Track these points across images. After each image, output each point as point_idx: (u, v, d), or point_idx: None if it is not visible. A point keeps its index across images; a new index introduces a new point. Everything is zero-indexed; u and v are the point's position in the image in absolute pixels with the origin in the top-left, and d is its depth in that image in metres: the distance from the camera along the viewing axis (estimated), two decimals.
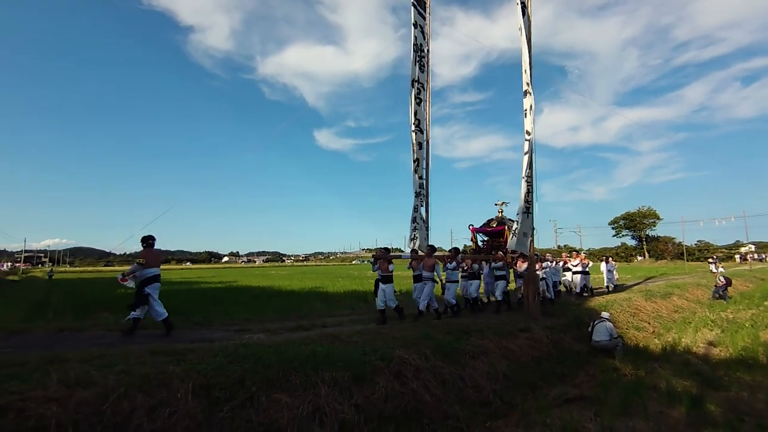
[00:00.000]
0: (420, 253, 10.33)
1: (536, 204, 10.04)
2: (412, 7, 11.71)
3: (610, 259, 15.38)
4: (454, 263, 9.93)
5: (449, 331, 6.32)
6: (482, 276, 10.88)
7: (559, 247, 61.46)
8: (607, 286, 14.34)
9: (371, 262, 9.24)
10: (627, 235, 66.16)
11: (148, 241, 6.38)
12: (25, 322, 7.76)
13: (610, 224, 66.80)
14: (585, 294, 13.14)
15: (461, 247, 13.48)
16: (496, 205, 12.96)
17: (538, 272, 10.46)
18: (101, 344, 5.04)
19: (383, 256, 9.12)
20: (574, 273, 13.54)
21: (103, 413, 2.88)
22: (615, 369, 6.48)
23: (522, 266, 10.66)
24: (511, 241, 10.10)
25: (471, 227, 12.87)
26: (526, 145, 9.79)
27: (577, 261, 13.53)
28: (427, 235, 12.83)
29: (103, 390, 3.03)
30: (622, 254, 60.65)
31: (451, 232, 60.41)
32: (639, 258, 59.46)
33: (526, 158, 9.71)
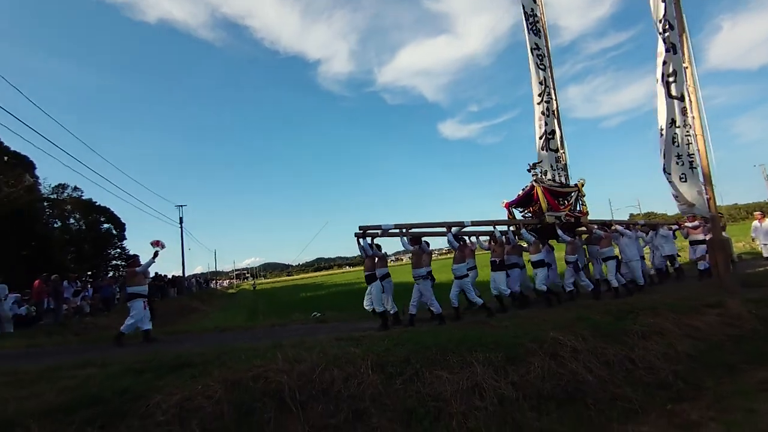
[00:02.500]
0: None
1: (711, 152, 8.22)
2: None
3: None
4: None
5: (607, 312, 5.90)
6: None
7: None
8: None
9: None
10: None
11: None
12: (249, 321, 10.43)
13: None
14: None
15: None
16: (528, 171, 9.41)
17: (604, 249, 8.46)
18: (300, 334, 6.51)
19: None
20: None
21: (314, 381, 3.89)
22: None
23: (695, 233, 9.08)
24: (682, 208, 8.53)
25: (505, 203, 9.70)
26: (661, 92, 8.24)
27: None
28: None
29: (311, 365, 4.08)
30: None
31: (610, 202, 52.37)
32: None
33: (664, 107, 8.21)
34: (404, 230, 7.39)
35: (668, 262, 10.47)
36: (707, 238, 8.86)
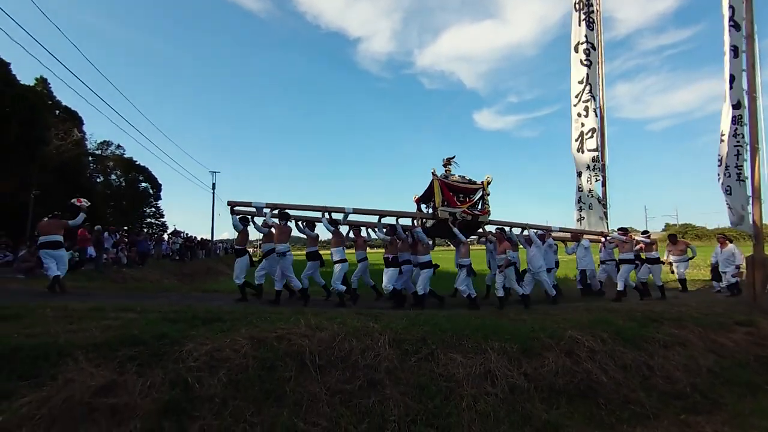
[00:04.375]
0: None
1: (764, 165, 7.77)
2: None
3: None
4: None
5: (631, 318, 5.80)
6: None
7: None
8: None
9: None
10: None
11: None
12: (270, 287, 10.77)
13: None
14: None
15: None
16: (444, 165, 8.64)
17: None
18: (319, 306, 6.74)
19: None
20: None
21: (333, 348, 4.09)
22: None
23: (624, 250, 8.69)
24: (733, 220, 8.12)
25: (415, 198, 9.01)
26: (729, 95, 7.74)
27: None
28: (605, 214, 11.47)
29: (332, 333, 4.27)
30: None
31: (646, 209, 50.15)
32: None
33: (729, 112, 7.73)
34: (273, 209, 7.46)
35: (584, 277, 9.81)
36: (632, 256, 8.70)
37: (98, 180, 31.12)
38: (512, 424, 3.69)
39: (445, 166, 8.55)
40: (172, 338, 3.88)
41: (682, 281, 9.76)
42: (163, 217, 38.00)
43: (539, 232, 8.98)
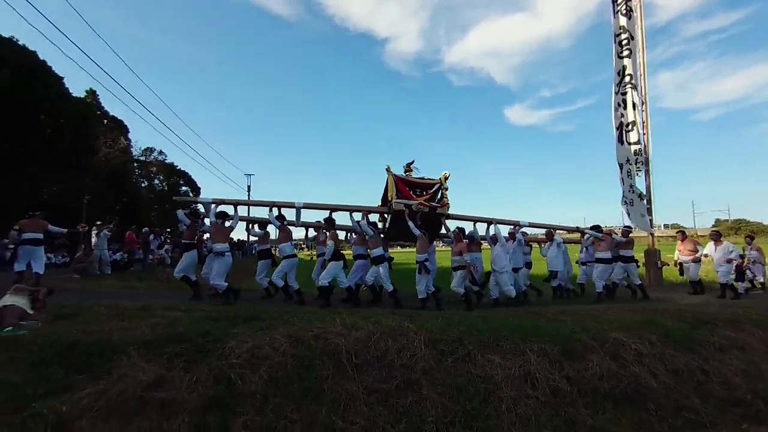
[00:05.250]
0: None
1: None
2: None
3: None
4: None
5: (681, 319, 5.46)
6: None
7: None
8: None
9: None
10: None
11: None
12: (304, 288, 10.98)
13: None
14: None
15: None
16: (405, 171, 8.61)
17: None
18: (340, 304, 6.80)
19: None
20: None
21: (369, 348, 4.11)
22: None
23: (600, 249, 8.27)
24: None
25: (379, 205, 8.87)
26: None
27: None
28: (648, 210, 10.87)
29: (367, 333, 4.29)
30: None
31: (693, 204, 47.06)
32: None
33: None
34: (215, 204, 7.74)
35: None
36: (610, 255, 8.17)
37: (143, 185, 32.94)
38: (555, 428, 3.56)
39: (405, 172, 8.48)
40: (215, 336, 4.03)
41: (694, 283, 8.94)
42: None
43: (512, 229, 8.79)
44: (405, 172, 8.45)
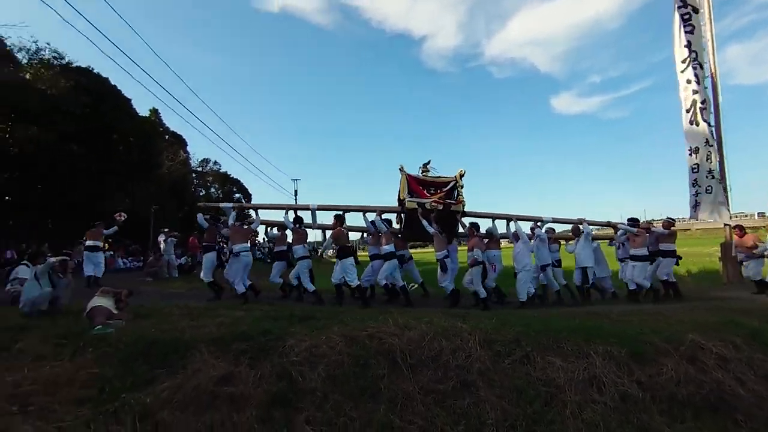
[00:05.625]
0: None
1: None
2: None
3: None
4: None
5: None
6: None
7: None
8: None
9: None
10: None
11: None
12: None
13: None
14: None
15: None
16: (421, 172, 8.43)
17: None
18: (399, 305, 6.81)
19: None
20: None
21: (423, 348, 4.10)
22: None
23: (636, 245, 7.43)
24: None
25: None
26: None
27: None
28: (726, 198, 9.85)
29: (420, 333, 4.29)
30: None
31: None
32: None
33: None
34: (235, 209, 7.93)
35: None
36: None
37: (201, 193, 35.34)
38: None
39: (422, 173, 8.31)
40: (275, 334, 4.23)
41: (759, 282, 7.89)
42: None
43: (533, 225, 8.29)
44: (422, 173, 8.30)
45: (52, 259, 5.26)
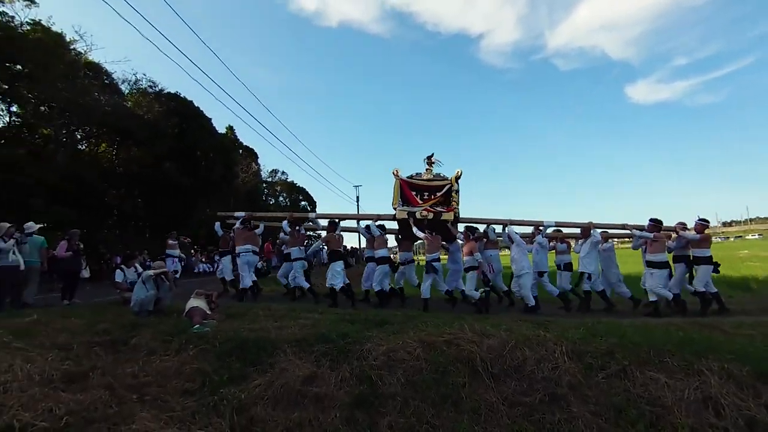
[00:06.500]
0: None
1: None
2: None
3: None
4: None
5: None
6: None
7: None
8: None
9: None
10: None
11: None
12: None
13: None
14: None
15: None
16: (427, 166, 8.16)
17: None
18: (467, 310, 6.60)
19: None
20: None
21: (505, 357, 3.92)
22: None
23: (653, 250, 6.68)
24: None
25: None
26: None
27: None
28: None
29: (500, 341, 4.11)
30: None
31: None
32: None
33: None
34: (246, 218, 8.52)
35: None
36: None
37: (271, 202, 37.77)
38: None
39: (428, 164, 8.11)
40: (353, 338, 4.32)
41: None
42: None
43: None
44: (428, 164, 8.14)
45: (151, 272, 5.88)
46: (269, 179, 38.62)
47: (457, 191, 7.79)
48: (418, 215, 7.59)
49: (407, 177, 7.96)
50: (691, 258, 6.91)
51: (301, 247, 8.27)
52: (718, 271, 6.83)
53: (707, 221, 7.09)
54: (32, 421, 2.82)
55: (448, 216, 7.61)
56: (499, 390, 3.62)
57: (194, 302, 5.39)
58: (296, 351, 4.15)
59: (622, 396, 3.47)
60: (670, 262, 6.94)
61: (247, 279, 8.02)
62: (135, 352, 4.28)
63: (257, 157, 33.47)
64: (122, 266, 7.33)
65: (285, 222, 8.33)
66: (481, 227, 8.10)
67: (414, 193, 7.85)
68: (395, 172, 7.94)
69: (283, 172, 39.53)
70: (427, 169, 8.20)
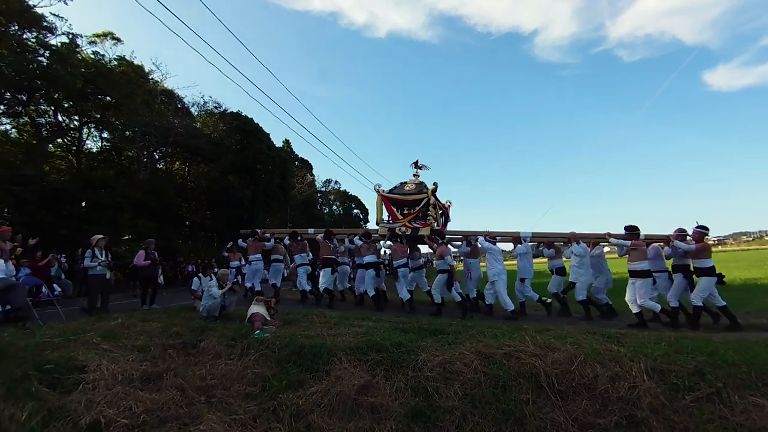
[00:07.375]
0: None
1: None
2: None
3: None
4: None
5: None
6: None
7: None
8: None
9: None
10: None
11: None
12: None
13: None
14: None
15: None
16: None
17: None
18: (534, 320, 6.21)
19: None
20: None
21: (573, 373, 3.60)
22: None
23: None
24: None
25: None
26: None
27: None
28: None
29: (567, 355, 3.79)
30: None
31: None
32: None
33: None
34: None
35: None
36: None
37: (325, 211, 39.03)
38: None
39: (416, 168, 8.92)
40: (407, 347, 4.23)
41: None
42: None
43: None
44: (416, 168, 8.95)
45: (220, 291, 6.24)
46: (323, 188, 39.98)
47: (434, 205, 8.42)
48: (397, 230, 8.32)
49: (388, 191, 8.80)
50: (692, 269, 6.22)
51: (303, 255, 9.26)
52: (723, 283, 6.12)
53: (707, 228, 6.23)
54: (115, 417, 3.08)
55: (425, 231, 8.21)
56: (568, 409, 3.33)
57: (255, 308, 5.64)
58: (351, 359, 4.15)
59: (718, 423, 3.02)
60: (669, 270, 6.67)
61: (252, 282, 9.41)
62: (203, 355, 4.54)
63: (312, 168, 34.87)
64: (199, 275, 7.90)
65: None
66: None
67: (394, 208, 8.57)
68: (377, 189, 8.80)
69: (336, 182, 40.75)
70: (414, 174, 8.99)
